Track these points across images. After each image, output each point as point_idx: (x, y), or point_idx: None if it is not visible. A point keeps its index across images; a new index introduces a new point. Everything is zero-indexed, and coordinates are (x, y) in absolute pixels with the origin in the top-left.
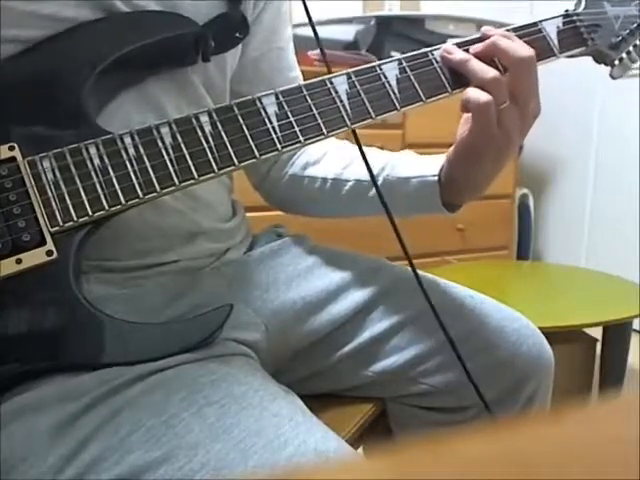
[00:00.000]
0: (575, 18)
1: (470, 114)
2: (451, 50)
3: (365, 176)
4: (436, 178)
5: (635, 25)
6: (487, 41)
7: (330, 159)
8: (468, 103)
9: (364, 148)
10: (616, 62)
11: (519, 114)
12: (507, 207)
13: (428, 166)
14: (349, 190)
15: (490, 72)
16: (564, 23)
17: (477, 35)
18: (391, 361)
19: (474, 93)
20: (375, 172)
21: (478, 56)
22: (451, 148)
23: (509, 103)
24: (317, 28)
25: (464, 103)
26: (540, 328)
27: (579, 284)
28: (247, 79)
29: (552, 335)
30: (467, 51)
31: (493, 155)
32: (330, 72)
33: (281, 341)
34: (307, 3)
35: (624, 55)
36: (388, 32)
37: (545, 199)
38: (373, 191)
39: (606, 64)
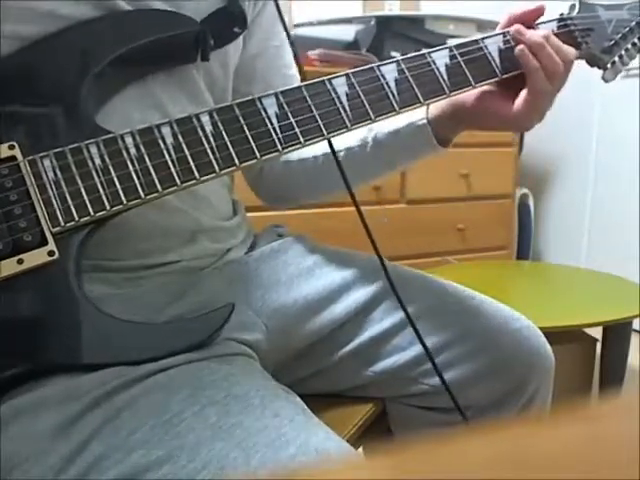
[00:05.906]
0: (569, 22)
1: None
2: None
3: (354, 142)
4: (425, 121)
5: (627, 29)
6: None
7: None
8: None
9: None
10: (608, 65)
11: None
12: (507, 207)
13: (413, 115)
14: (342, 160)
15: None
16: (559, 27)
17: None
18: (392, 361)
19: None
20: (363, 135)
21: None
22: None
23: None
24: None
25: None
26: (540, 328)
27: (579, 284)
28: (244, 77)
29: (552, 335)
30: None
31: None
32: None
33: (282, 341)
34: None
35: (616, 59)
36: (388, 32)
37: (545, 199)
38: (365, 155)
39: (599, 67)
